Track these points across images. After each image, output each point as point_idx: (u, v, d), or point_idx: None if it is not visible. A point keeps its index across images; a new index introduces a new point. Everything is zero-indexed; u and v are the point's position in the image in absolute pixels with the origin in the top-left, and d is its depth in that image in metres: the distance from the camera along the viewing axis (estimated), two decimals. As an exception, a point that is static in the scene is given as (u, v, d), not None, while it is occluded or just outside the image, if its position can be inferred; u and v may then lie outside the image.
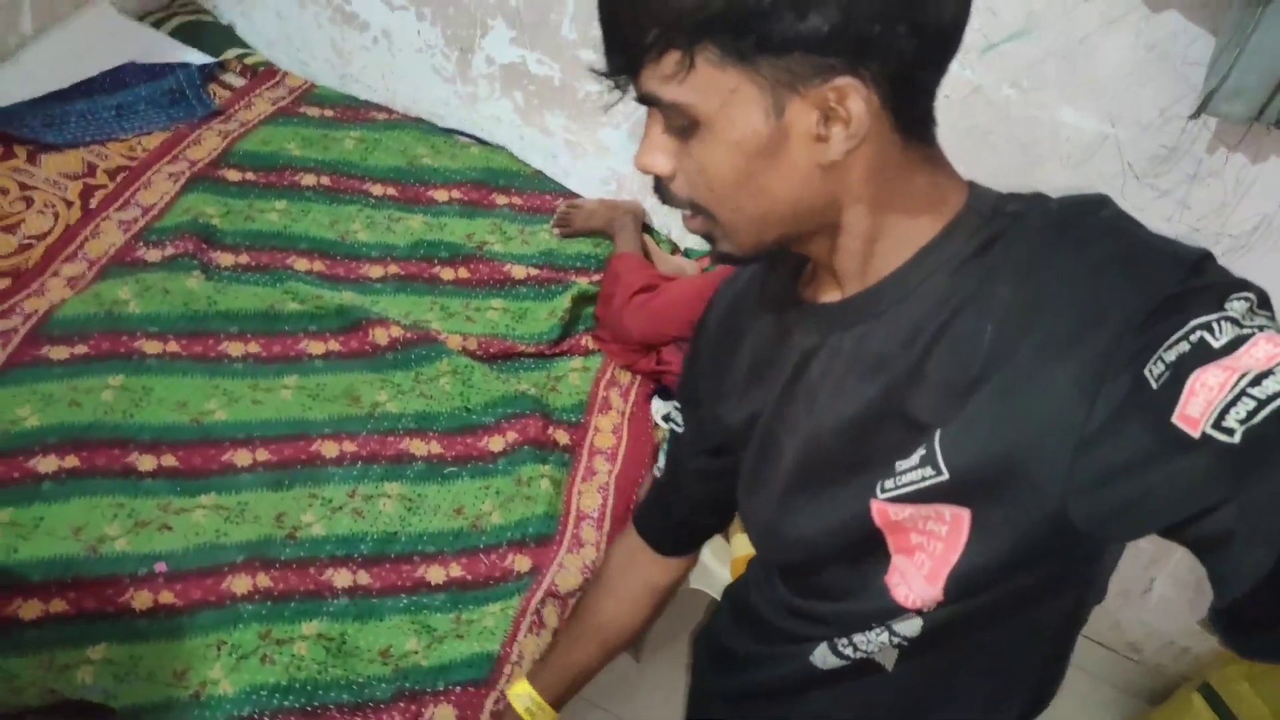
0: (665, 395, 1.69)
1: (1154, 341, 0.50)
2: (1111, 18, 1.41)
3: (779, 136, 0.56)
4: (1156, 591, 1.97)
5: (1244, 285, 0.52)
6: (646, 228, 1.98)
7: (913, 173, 0.61)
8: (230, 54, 2.04)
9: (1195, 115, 1.37)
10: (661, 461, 0.93)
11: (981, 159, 1.62)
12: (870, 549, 0.66)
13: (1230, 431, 0.44)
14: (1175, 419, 0.47)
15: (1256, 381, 0.45)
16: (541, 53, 1.88)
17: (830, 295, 0.68)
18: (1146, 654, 2.08)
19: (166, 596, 1.24)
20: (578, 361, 1.71)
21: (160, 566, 1.26)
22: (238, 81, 2.02)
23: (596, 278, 1.83)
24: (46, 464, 1.32)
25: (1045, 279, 0.56)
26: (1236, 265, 1.52)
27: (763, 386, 0.73)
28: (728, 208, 0.60)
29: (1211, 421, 0.45)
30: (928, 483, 0.60)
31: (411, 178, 1.90)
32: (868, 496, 0.64)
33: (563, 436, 1.55)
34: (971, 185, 0.64)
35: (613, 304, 1.69)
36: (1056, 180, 1.59)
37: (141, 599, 1.23)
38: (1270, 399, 0.44)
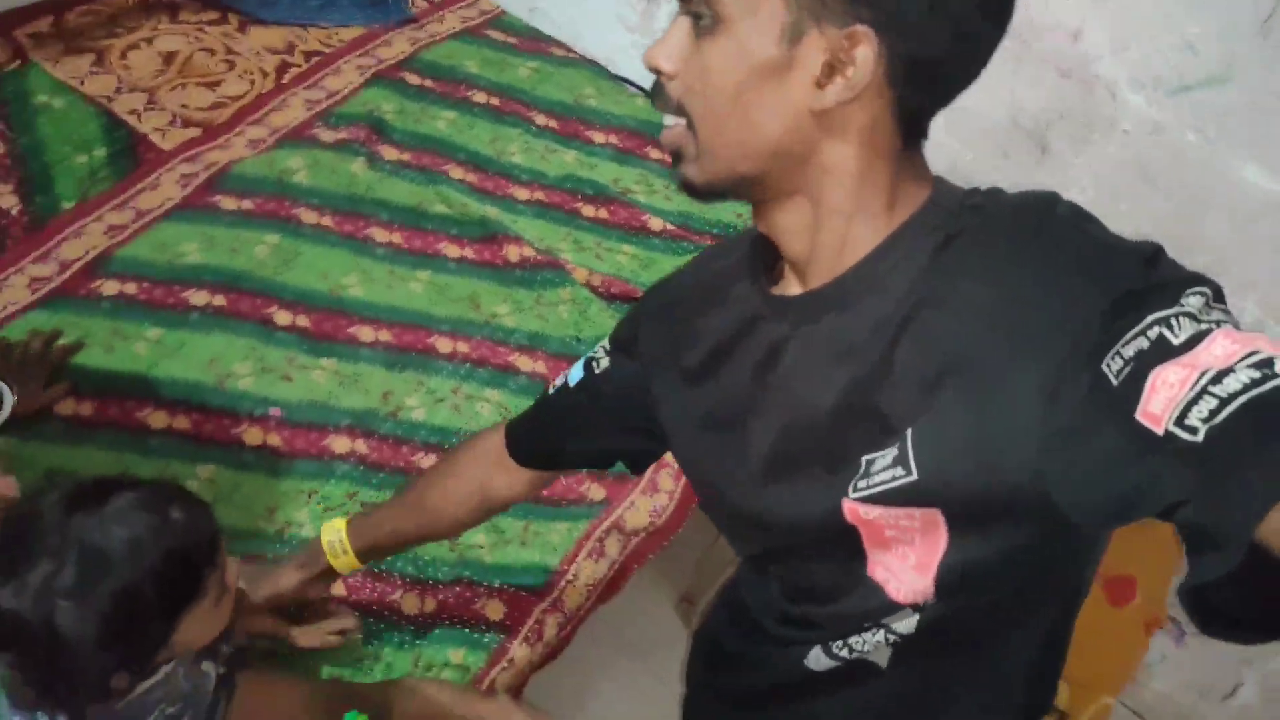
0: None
1: (1112, 337, 0.50)
2: None
3: (784, 63, 0.57)
4: (1240, 698, 1.87)
5: (1200, 279, 0.52)
6: None
7: (894, 161, 0.62)
8: (433, -32, 2.14)
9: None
10: (562, 380, 0.91)
11: (1146, 200, 1.56)
12: (847, 546, 0.66)
13: (1194, 430, 0.45)
14: (1139, 416, 0.47)
15: (1217, 380, 0.45)
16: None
17: (794, 289, 0.68)
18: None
19: (275, 439, 1.34)
20: (692, 319, 1.74)
21: (275, 411, 1.37)
22: (435, -6, 2.12)
23: (728, 246, 1.85)
24: (198, 297, 1.44)
25: (1007, 277, 0.57)
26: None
27: (726, 374, 0.73)
28: (712, 121, 0.60)
29: (1174, 419, 0.45)
30: (898, 483, 0.60)
31: (574, 114, 1.97)
32: (840, 494, 0.64)
33: (661, 385, 1.59)
34: (936, 180, 0.65)
35: None
36: (1216, 236, 1.52)
37: (252, 435, 1.34)
38: (1231, 397, 0.44)
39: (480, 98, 1.93)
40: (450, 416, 1.44)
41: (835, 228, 0.63)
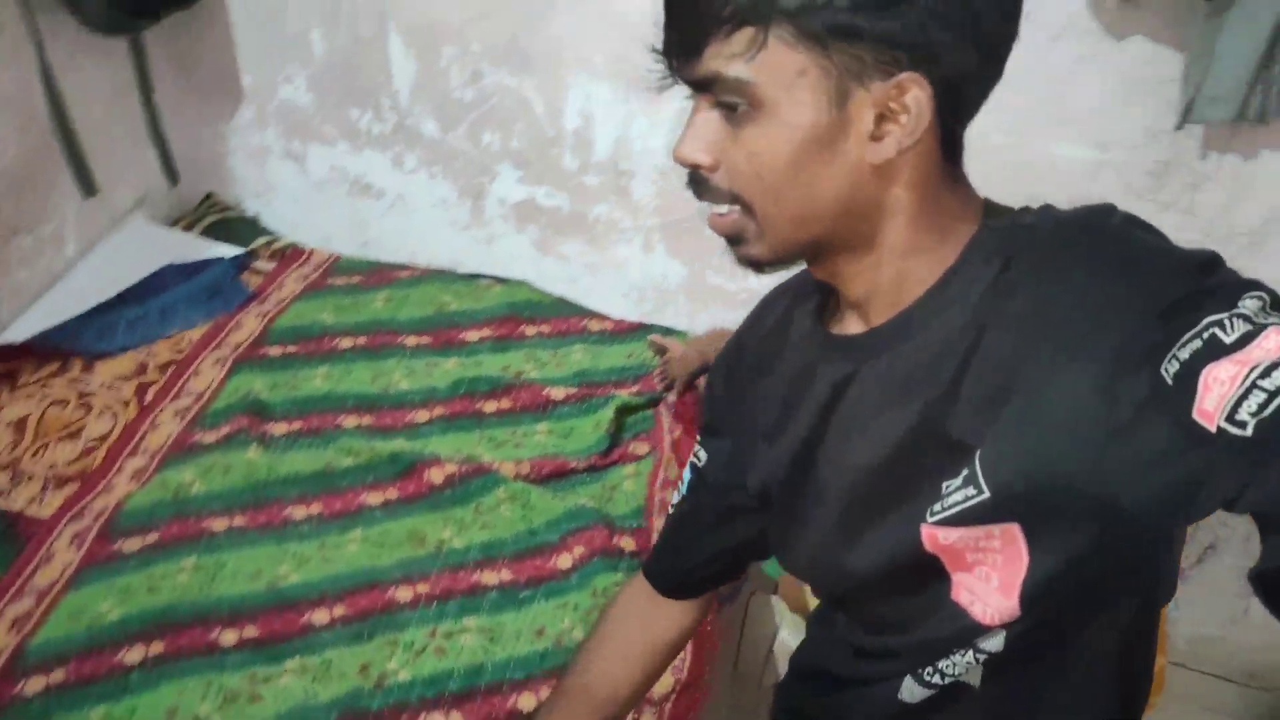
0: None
1: (1169, 340, 0.51)
2: (1082, 55, 1.48)
3: (837, 128, 0.57)
4: (1254, 613, 1.89)
5: (1257, 285, 0.53)
6: None
7: (946, 191, 0.62)
8: (259, 242, 2.16)
9: (1180, 126, 1.42)
10: (677, 498, 0.90)
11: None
12: (929, 574, 0.66)
13: (1243, 425, 0.46)
14: (1194, 414, 0.48)
15: (1266, 373, 0.46)
16: (549, 186, 1.99)
17: (855, 327, 0.68)
18: (1264, 678, 1.97)
19: (265, 767, 1.23)
20: (630, 468, 1.72)
21: (255, 738, 1.25)
22: (268, 266, 2.13)
23: (635, 388, 1.87)
24: (133, 654, 1.33)
25: (1059, 288, 0.57)
26: (1253, 260, 1.54)
27: (794, 423, 0.73)
28: (772, 199, 0.60)
29: (1225, 415, 0.47)
30: (971, 502, 0.60)
31: (442, 324, 1.98)
32: (918, 522, 0.64)
33: (629, 543, 1.55)
34: (985, 203, 0.66)
35: None
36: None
37: (240, 774, 1.22)
38: (1278, 390, 0.46)
39: (347, 343, 1.92)
40: (437, 663, 1.36)
41: (896, 266, 0.63)
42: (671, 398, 1.87)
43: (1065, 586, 0.62)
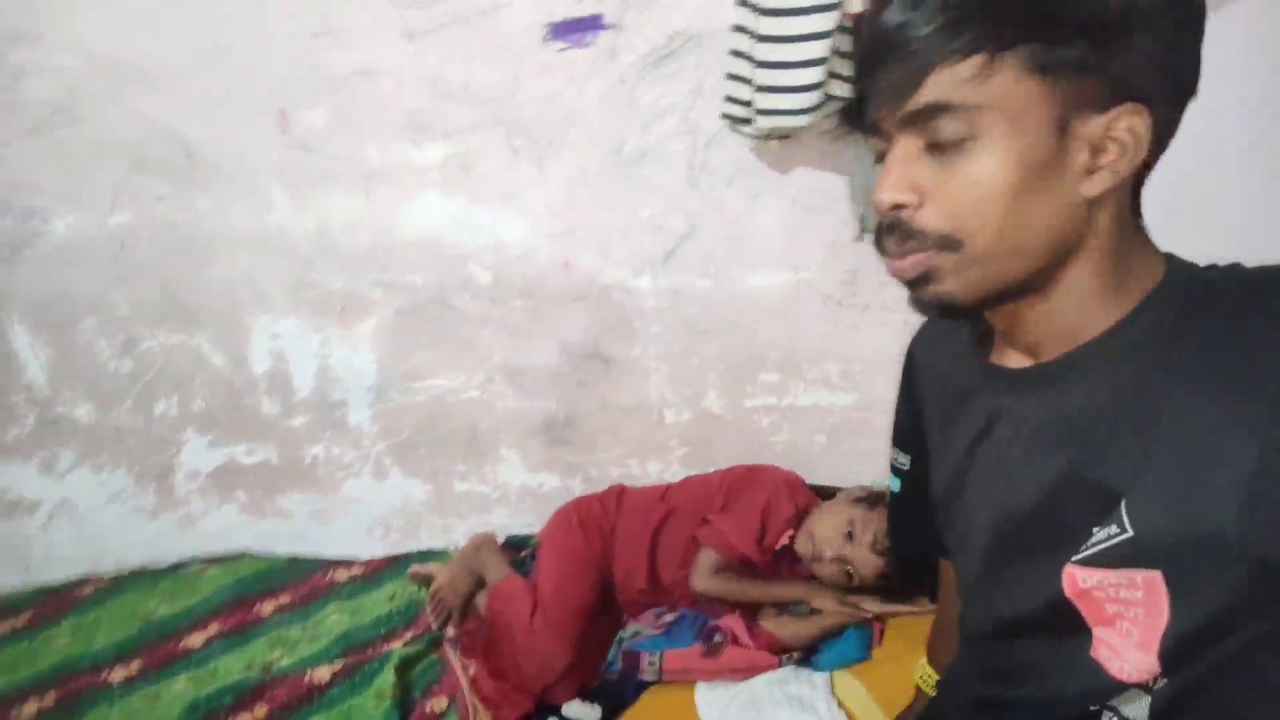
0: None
1: None
2: (755, 193, 1.58)
3: (1056, 158, 0.57)
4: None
5: None
6: None
7: (1131, 239, 0.63)
8: None
9: (859, 238, 1.54)
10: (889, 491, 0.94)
11: (701, 350, 1.71)
12: (1070, 625, 0.65)
13: None
14: None
15: None
16: (249, 441, 1.74)
17: (1016, 362, 0.68)
18: None
19: None
20: (437, 734, 1.47)
21: None
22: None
23: (409, 635, 1.63)
24: None
25: (1229, 342, 0.58)
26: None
27: (950, 448, 0.74)
28: (990, 230, 0.59)
29: None
30: (1113, 541, 0.60)
31: (153, 638, 1.62)
32: (1061, 563, 0.64)
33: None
34: (1169, 257, 0.65)
35: (516, 639, 1.52)
36: (771, 336, 1.71)
37: None
38: None
39: (30, 709, 1.49)
40: None
41: (1075, 310, 0.63)
42: (452, 631, 1.66)
43: (1211, 641, 0.61)
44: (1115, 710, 0.66)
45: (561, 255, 1.62)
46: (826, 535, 1.51)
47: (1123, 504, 0.60)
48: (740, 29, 1.40)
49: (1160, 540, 0.58)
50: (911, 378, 0.86)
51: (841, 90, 1.42)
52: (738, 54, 1.42)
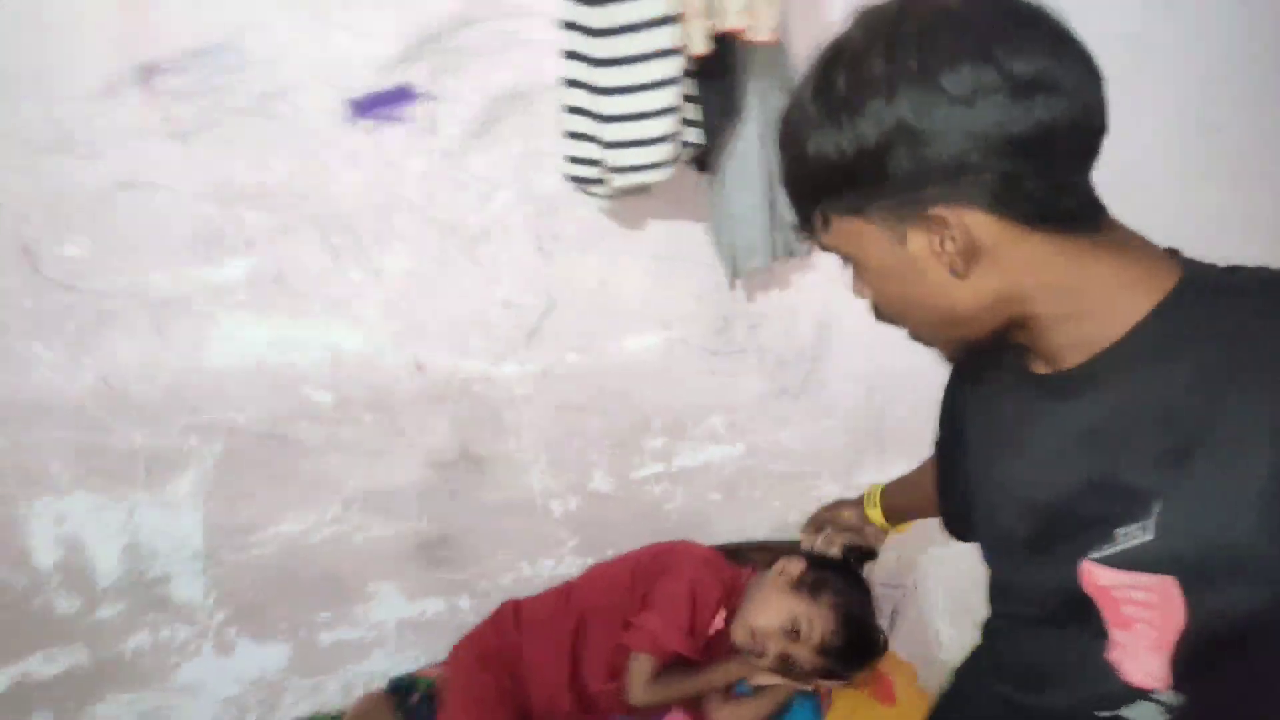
0: None
1: None
2: (612, 255, 1.45)
3: (909, 261, 0.63)
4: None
5: None
6: None
7: (1086, 259, 0.63)
8: None
9: (733, 286, 1.45)
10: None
11: (581, 428, 1.56)
12: (1086, 621, 0.68)
13: None
14: None
15: None
16: (44, 650, 1.41)
17: (1042, 368, 0.70)
18: None
19: None
20: None
21: None
22: None
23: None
24: None
25: (1254, 344, 0.58)
26: (821, 367, 1.64)
27: (987, 434, 0.79)
28: (911, 321, 0.69)
29: None
30: (1133, 544, 0.62)
31: None
32: (1079, 557, 0.66)
33: None
34: (1187, 262, 0.66)
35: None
36: (652, 399, 1.59)
37: None
38: None
39: None
40: None
41: (1066, 329, 0.65)
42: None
43: (1219, 655, 0.62)
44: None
45: (411, 357, 1.41)
46: (769, 630, 1.40)
47: (1154, 509, 0.61)
48: (574, 83, 1.26)
49: (1181, 547, 0.60)
50: (957, 371, 0.90)
51: (695, 136, 1.32)
52: (576, 110, 1.28)
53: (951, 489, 0.96)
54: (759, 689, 1.50)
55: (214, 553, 1.46)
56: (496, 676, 1.45)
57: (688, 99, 1.28)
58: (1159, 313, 0.63)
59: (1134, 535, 0.62)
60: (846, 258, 0.68)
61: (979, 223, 0.60)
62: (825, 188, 0.64)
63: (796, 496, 1.77)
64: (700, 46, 1.23)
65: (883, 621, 1.60)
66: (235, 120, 1.26)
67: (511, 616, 1.53)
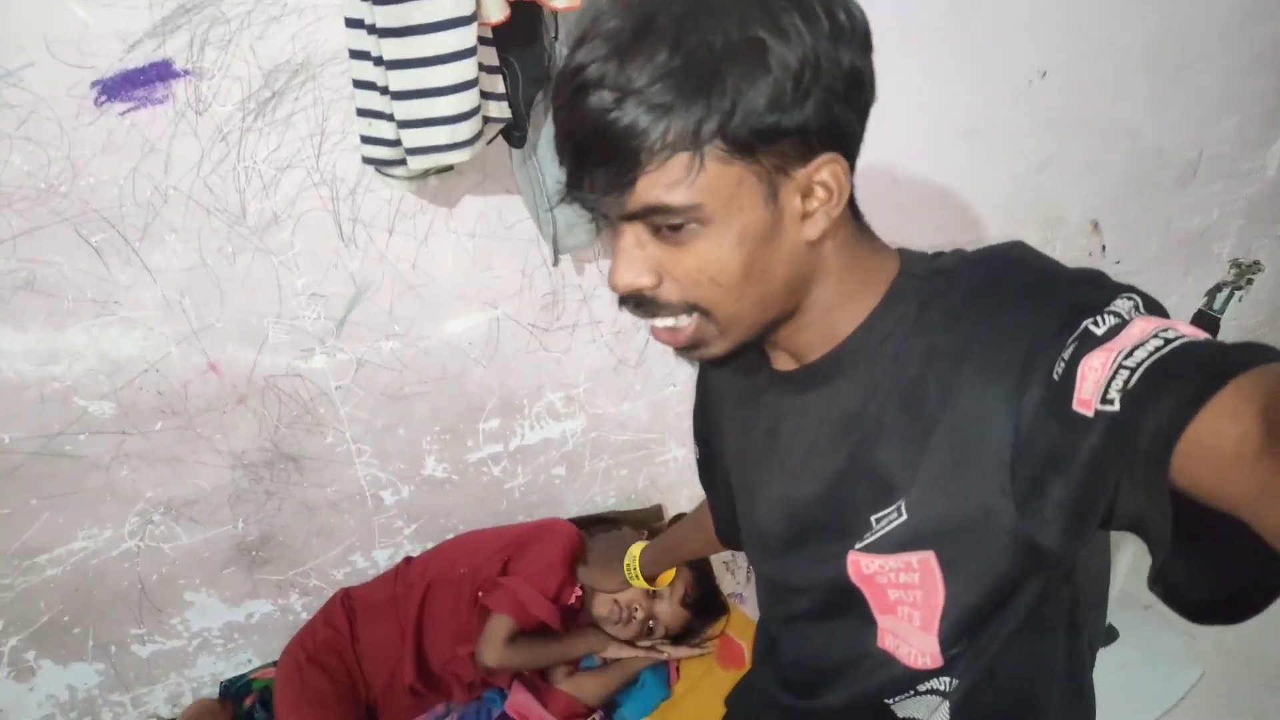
0: None
1: (1059, 348, 0.55)
2: (423, 235, 1.34)
3: (775, 219, 0.59)
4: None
5: (1131, 289, 0.57)
6: None
7: (863, 245, 0.65)
8: None
9: (556, 263, 1.36)
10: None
11: (407, 417, 1.47)
12: (853, 611, 0.70)
13: (1112, 401, 0.49)
14: (1075, 406, 0.51)
15: (1129, 354, 0.49)
16: None
17: (788, 365, 0.71)
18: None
19: None
20: None
21: None
22: None
23: None
24: None
25: (971, 320, 0.61)
26: (629, 337, 1.59)
27: (743, 437, 0.78)
28: (731, 298, 0.61)
29: (1100, 398, 0.50)
30: (890, 527, 0.64)
31: None
32: (845, 549, 0.67)
33: None
34: (902, 251, 0.68)
35: None
36: (483, 382, 1.51)
37: None
38: (1139, 365, 0.48)
39: None
40: None
41: (826, 320, 0.66)
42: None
43: (983, 626, 0.66)
44: (919, 692, 0.70)
45: (202, 358, 1.28)
46: (632, 595, 1.44)
47: (899, 490, 0.63)
48: (360, 54, 1.13)
49: (933, 522, 0.62)
50: (704, 377, 0.90)
51: (499, 111, 1.20)
52: (365, 85, 1.14)
53: (722, 500, 0.96)
54: (607, 663, 1.50)
55: (-2, 579, 1.33)
56: (330, 674, 1.40)
57: (488, 70, 1.17)
58: (888, 301, 0.65)
59: (890, 519, 0.64)
60: (691, 219, 0.56)
61: (845, 180, 0.59)
62: (727, 122, 0.53)
63: (642, 462, 1.74)
64: (497, 14, 1.11)
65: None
66: (-48, 105, 1.07)
67: (341, 605, 1.49)
